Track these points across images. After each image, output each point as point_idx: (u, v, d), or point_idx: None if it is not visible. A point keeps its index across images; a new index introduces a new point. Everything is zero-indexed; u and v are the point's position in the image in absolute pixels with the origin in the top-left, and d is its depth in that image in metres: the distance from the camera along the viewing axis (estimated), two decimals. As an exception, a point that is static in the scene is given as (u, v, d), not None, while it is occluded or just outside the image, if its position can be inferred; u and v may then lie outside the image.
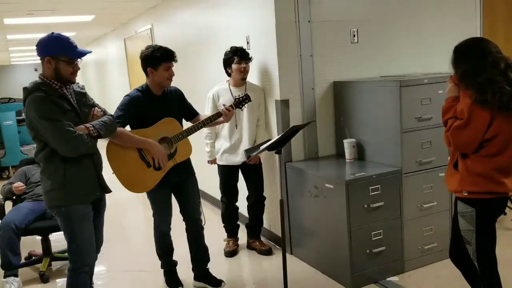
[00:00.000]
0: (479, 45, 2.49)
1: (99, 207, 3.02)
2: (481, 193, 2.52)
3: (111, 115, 3.02)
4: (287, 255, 3.60)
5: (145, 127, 3.29)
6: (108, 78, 11.31)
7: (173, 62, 3.36)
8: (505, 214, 4.28)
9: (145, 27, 7.63)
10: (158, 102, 3.39)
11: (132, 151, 3.24)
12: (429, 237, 3.73)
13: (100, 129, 2.82)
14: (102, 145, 2.97)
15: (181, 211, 3.62)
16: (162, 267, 3.74)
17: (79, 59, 2.79)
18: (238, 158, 4.10)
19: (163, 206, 3.51)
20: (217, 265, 3.91)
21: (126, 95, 3.39)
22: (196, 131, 3.41)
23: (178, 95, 3.55)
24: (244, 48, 4.06)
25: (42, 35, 2.77)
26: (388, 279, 3.58)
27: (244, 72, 4.01)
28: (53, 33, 2.76)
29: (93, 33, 10.48)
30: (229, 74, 4.07)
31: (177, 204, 3.60)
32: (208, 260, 3.73)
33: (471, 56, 2.47)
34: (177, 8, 6.15)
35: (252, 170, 4.19)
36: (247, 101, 3.64)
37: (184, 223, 3.64)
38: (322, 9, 4.01)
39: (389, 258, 3.59)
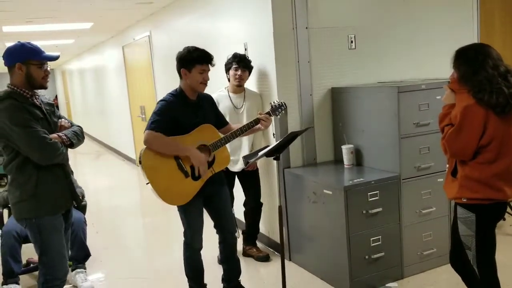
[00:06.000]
0: (481, 49, 2.52)
1: (66, 219, 2.96)
2: (480, 199, 2.52)
3: (79, 126, 2.99)
4: (286, 261, 3.59)
5: (180, 134, 3.11)
6: (106, 86, 11.30)
7: (210, 66, 3.18)
8: (504, 219, 4.28)
9: (143, 34, 7.65)
10: (193, 107, 3.21)
11: (170, 160, 3.07)
12: (428, 242, 3.73)
13: (72, 138, 2.82)
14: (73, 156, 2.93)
15: (216, 224, 3.42)
16: None
17: (48, 63, 2.77)
18: (237, 165, 4.10)
19: (198, 220, 3.28)
20: (213, 273, 3.81)
21: (161, 100, 3.17)
22: (234, 138, 3.28)
23: (210, 102, 3.39)
24: (246, 56, 4.05)
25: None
26: (387, 285, 3.57)
27: (239, 79, 3.99)
28: (19, 41, 2.76)
29: (91, 40, 10.50)
30: (229, 80, 4.09)
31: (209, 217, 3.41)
32: (240, 272, 3.58)
33: (472, 58, 2.49)
34: (175, 16, 6.17)
35: (250, 177, 4.19)
36: (283, 107, 3.46)
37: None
38: (320, 15, 4.03)
39: (388, 264, 3.58)
